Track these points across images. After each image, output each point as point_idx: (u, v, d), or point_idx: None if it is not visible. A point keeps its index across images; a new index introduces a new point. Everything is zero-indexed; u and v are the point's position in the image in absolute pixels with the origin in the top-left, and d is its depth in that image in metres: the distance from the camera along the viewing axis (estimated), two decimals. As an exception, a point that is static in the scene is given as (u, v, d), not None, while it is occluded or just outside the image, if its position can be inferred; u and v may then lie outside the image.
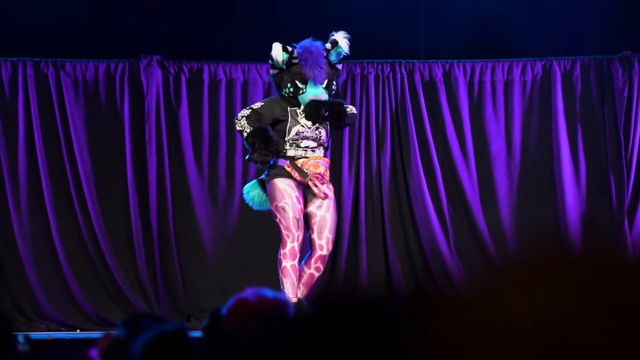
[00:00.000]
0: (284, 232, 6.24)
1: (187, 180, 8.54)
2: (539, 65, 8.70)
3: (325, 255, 6.33)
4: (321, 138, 6.35)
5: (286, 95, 6.31)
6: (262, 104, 6.40)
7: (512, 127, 8.66)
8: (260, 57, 8.56)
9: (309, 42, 6.36)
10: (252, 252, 8.37)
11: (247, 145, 6.30)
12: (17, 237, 8.35)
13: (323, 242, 6.32)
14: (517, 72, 8.70)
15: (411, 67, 8.69)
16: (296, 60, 6.29)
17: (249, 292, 2.72)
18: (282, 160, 6.31)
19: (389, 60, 8.69)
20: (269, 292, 2.81)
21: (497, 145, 8.65)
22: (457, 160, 8.63)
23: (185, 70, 8.59)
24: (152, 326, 2.70)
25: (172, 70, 8.56)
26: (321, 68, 6.28)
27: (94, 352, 2.87)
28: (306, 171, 6.28)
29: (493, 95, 8.70)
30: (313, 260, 6.30)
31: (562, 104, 8.62)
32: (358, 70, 8.67)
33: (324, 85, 6.31)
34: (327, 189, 6.37)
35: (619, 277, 1.05)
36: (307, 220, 6.36)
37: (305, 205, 6.35)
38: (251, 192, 6.48)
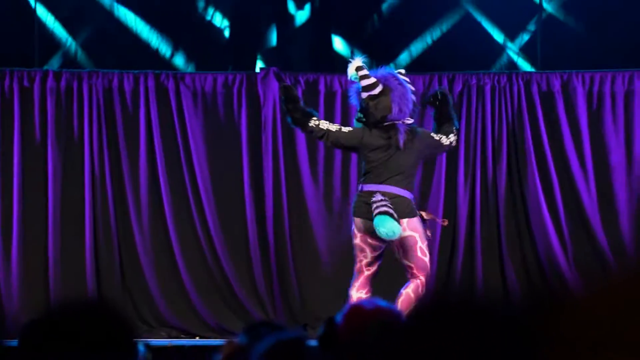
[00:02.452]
0: (426, 258, 6.38)
1: (302, 191, 8.60)
2: (659, 75, 8.52)
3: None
4: None
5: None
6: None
7: (633, 138, 8.49)
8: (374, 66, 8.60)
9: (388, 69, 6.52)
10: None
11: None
12: (139, 245, 8.52)
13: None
14: (638, 83, 8.53)
15: (528, 77, 8.61)
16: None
17: (364, 301, 2.74)
18: (412, 195, 6.41)
19: (506, 71, 8.63)
20: (383, 302, 2.83)
21: (616, 157, 8.50)
22: (576, 173, 8.50)
23: (302, 81, 8.66)
24: (271, 334, 2.75)
25: (288, 81, 8.64)
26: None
27: (215, 358, 2.93)
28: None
29: (613, 106, 8.55)
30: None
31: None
32: (474, 81, 8.62)
33: None
34: None
35: None
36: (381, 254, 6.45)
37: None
38: (393, 225, 6.28)
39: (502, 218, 8.51)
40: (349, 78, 6.45)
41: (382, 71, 6.43)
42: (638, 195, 8.45)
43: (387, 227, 6.15)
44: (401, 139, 6.29)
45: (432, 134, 6.41)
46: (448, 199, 8.57)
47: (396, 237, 6.19)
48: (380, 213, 6.16)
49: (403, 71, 6.54)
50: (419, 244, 6.29)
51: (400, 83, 6.34)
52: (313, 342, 3.06)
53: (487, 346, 1.58)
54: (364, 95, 6.34)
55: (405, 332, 1.58)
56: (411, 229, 6.27)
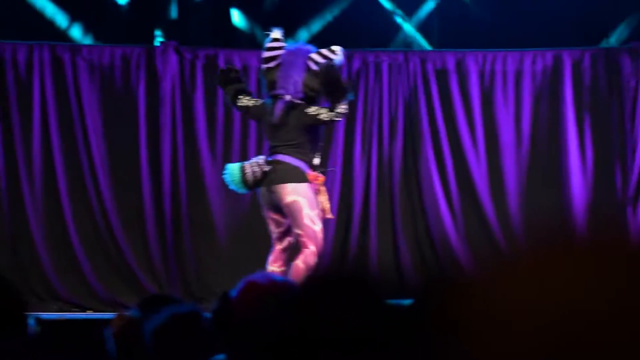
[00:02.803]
0: (320, 243, 6.32)
1: (200, 165, 8.58)
2: (549, 56, 8.72)
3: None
4: None
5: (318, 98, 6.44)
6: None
7: (522, 116, 8.69)
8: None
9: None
10: (264, 236, 8.38)
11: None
12: (31, 218, 8.41)
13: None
14: (527, 62, 8.73)
15: (424, 56, 8.72)
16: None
17: (259, 275, 2.77)
18: (308, 168, 6.39)
19: (402, 49, 8.73)
20: (278, 276, 2.86)
21: (506, 135, 8.68)
22: (467, 149, 8.66)
23: (201, 56, 8.63)
24: (166, 307, 2.75)
25: (187, 56, 8.60)
26: None
27: (107, 332, 2.91)
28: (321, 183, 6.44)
29: (504, 85, 8.73)
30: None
31: (572, 94, 8.65)
32: (372, 59, 8.70)
33: None
34: None
35: (623, 264, 1.07)
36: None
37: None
38: (234, 175, 6.43)
39: (396, 194, 8.62)
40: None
41: (293, 46, 6.47)
42: (526, 172, 8.65)
43: (232, 176, 6.38)
44: (275, 113, 6.35)
45: (307, 110, 6.35)
46: (344, 174, 8.65)
47: (235, 184, 6.40)
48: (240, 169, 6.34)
49: (336, 48, 6.44)
50: (306, 210, 6.24)
51: (296, 61, 6.36)
52: (208, 316, 3.08)
53: (374, 320, 1.62)
54: (262, 67, 6.42)
55: (295, 306, 1.61)
56: (296, 194, 6.27)
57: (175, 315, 2.74)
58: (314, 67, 6.32)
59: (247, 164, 6.41)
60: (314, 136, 6.40)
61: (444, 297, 1.12)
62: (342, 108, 6.35)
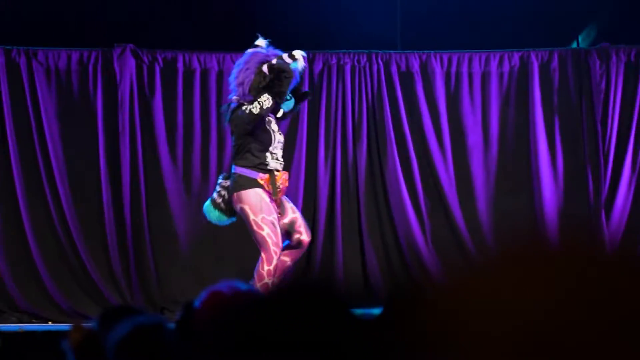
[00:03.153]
0: (272, 248, 6.24)
1: (161, 171, 8.47)
2: (516, 57, 8.68)
3: (309, 241, 6.57)
4: (282, 144, 6.47)
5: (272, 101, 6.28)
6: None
7: (489, 119, 8.64)
8: (235, 46, 8.50)
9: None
10: (227, 245, 8.31)
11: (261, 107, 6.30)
12: (-12, 228, 8.27)
13: (306, 228, 6.47)
14: (494, 64, 8.68)
15: (388, 57, 8.66)
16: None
17: (223, 285, 2.68)
18: (255, 172, 6.29)
19: (366, 51, 8.65)
20: (242, 285, 2.77)
21: (474, 138, 8.63)
22: (434, 153, 8.60)
23: (160, 59, 8.52)
24: (128, 318, 2.65)
25: (146, 59, 8.48)
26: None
27: (65, 344, 2.82)
28: (279, 187, 6.31)
29: (470, 87, 8.68)
30: (300, 255, 6.44)
31: (540, 95, 8.61)
32: (334, 61, 8.62)
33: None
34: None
35: (596, 270, 1.05)
36: (292, 226, 6.42)
37: (282, 214, 6.41)
38: (211, 213, 6.43)
39: (362, 198, 8.55)
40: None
41: (252, 51, 6.50)
42: (494, 176, 8.60)
43: (210, 217, 6.42)
44: (224, 119, 6.48)
45: (235, 108, 6.34)
46: (308, 178, 8.57)
47: (223, 222, 6.43)
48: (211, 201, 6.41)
49: (297, 53, 6.36)
50: (251, 217, 6.23)
51: (251, 64, 6.34)
52: (171, 326, 2.97)
53: (340, 328, 1.57)
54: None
55: (258, 314, 1.54)
56: (240, 202, 6.28)
57: (138, 327, 2.65)
58: (265, 70, 6.25)
59: (214, 194, 6.43)
60: (257, 135, 6.29)
61: (413, 306, 1.10)
62: (264, 97, 6.23)
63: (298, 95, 6.49)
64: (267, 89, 6.24)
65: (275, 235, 6.23)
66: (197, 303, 2.75)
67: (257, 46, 6.45)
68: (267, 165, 6.32)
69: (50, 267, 8.34)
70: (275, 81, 6.26)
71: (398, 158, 8.55)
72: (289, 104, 6.43)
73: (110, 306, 5.28)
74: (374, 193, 8.60)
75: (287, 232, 6.42)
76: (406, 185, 8.54)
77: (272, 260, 6.21)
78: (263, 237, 6.22)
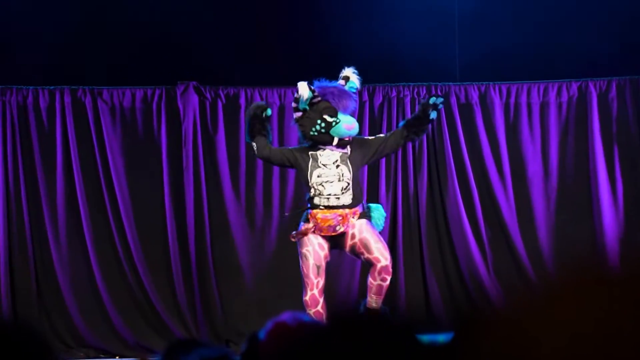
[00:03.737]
0: (304, 279, 6.40)
1: (224, 206, 8.54)
2: (574, 87, 8.66)
3: (385, 266, 6.39)
4: (344, 177, 6.37)
5: (316, 133, 6.34)
6: (293, 148, 6.55)
7: (549, 148, 8.61)
8: (294, 81, 8.59)
9: (324, 82, 6.50)
10: (290, 277, 8.34)
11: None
12: (56, 264, 8.38)
13: (376, 254, 6.40)
14: (552, 94, 8.66)
15: (447, 89, 8.67)
16: (318, 98, 6.34)
17: (287, 317, 2.71)
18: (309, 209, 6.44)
19: (425, 83, 8.68)
20: (307, 317, 2.79)
21: (534, 167, 8.61)
22: (494, 183, 8.59)
23: (222, 95, 8.61)
24: (194, 351, 2.69)
25: (208, 95, 8.58)
26: (347, 98, 6.39)
27: None
28: (312, 224, 6.38)
29: (529, 117, 8.67)
30: (376, 273, 6.39)
31: (599, 125, 8.57)
32: (394, 93, 8.66)
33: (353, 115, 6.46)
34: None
35: None
36: (354, 252, 6.46)
37: (344, 244, 6.44)
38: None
39: (423, 228, 8.55)
40: (305, 99, 6.38)
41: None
42: (555, 205, 8.56)
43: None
44: None
45: None
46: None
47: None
48: None
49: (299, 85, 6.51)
50: (298, 248, 6.49)
51: None
52: (237, 359, 3.01)
53: (407, 357, 1.57)
54: None
55: (325, 346, 1.55)
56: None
57: (204, 359, 2.68)
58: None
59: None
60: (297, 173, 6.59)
61: (479, 332, 1.11)
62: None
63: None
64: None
65: (306, 267, 6.36)
66: (261, 335, 2.76)
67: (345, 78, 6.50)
68: (312, 201, 6.41)
69: (116, 302, 8.42)
70: (299, 124, 6.45)
71: (459, 188, 8.55)
72: (337, 130, 6.39)
73: (175, 339, 5.36)
74: (435, 223, 8.60)
75: (357, 257, 6.52)
76: (467, 215, 8.53)
77: (306, 291, 6.38)
78: (301, 267, 6.42)
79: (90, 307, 8.40)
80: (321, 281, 6.37)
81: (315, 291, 6.35)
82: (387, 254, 6.41)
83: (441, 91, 8.68)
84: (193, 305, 8.44)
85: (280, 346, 2.52)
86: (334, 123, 6.34)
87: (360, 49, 8.55)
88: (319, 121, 6.34)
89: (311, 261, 6.35)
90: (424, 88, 8.67)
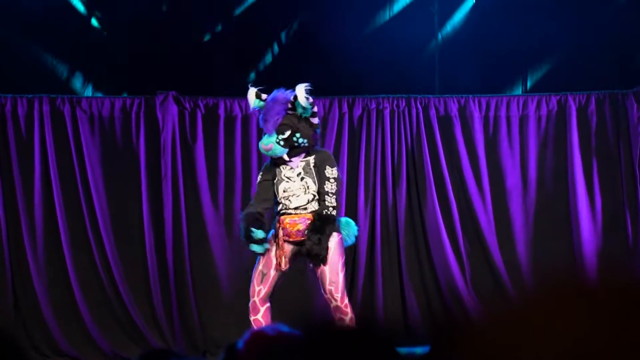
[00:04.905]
0: (250, 284, 6.37)
1: (203, 216, 8.53)
2: (554, 100, 8.70)
3: (337, 306, 6.27)
4: (309, 189, 6.31)
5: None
6: (262, 173, 6.46)
7: (528, 161, 8.65)
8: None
9: (277, 93, 6.37)
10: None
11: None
12: (33, 273, 8.35)
13: (328, 295, 6.30)
14: (532, 107, 8.70)
15: (426, 102, 8.70)
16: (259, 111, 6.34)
17: (265, 327, 2.71)
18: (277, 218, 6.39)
19: (405, 95, 8.70)
20: (285, 328, 2.79)
21: (512, 180, 8.64)
22: (473, 195, 8.61)
23: (201, 105, 8.61)
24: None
25: (187, 105, 8.58)
26: (270, 118, 6.26)
27: None
28: (281, 231, 6.29)
29: (508, 130, 8.70)
30: (332, 312, 6.32)
31: (578, 138, 8.61)
32: (374, 105, 8.68)
33: (282, 136, 6.26)
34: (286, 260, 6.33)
35: (636, 311, 1.07)
36: (314, 272, 6.40)
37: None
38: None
39: (402, 241, 8.56)
40: (306, 104, 6.29)
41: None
42: (533, 218, 8.59)
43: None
44: None
45: None
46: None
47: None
48: None
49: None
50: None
51: None
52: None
53: None
54: (316, 121, 6.39)
55: (303, 356, 1.57)
56: None
57: None
58: None
59: None
60: None
61: (456, 344, 1.11)
62: None
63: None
64: None
65: (254, 271, 6.35)
66: (240, 344, 2.76)
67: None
68: (279, 214, 6.36)
69: (93, 311, 8.39)
70: None
71: (437, 201, 8.56)
72: (260, 146, 6.39)
73: (149, 349, 5.34)
74: (413, 235, 8.61)
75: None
76: (445, 228, 8.55)
77: (249, 297, 6.36)
78: (254, 269, 6.40)
79: (67, 317, 8.38)
80: (263, 289, 6.31)
81: (257, 299, 6.33)
82: (337, 295, 6.25)
83: (421, 104, 8.70)
84: (170, 315, 8.42)
85: (258, 356, 2.52)
86: (265, 137, 6.35)
87: (341, 59, 8.57)
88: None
89: (259, 267, 6.34)
90: (404, 100, 8.69)
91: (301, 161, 6.35)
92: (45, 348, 8.36)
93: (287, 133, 6.25)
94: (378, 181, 8.61)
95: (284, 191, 6.32)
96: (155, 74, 8.62)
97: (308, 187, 6.31)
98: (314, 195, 6.31)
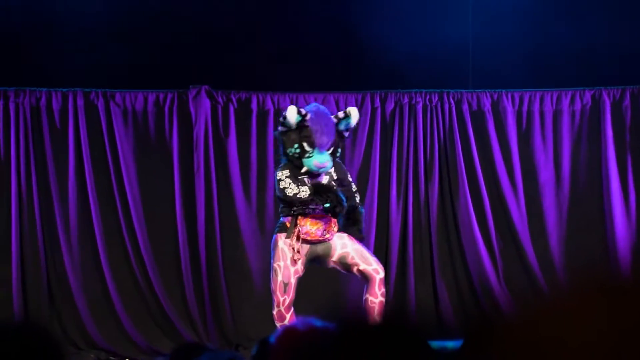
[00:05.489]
0: (272, 294, 6.47)
1: (235, 210, 8.55)
2: (588, 95, 8.64)
3: (383, 277, 6.42)
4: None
5: (290, 154, 6.34)
6: (289, 172, 6.40)
7: (561, 156, 8.60)
8: (307, 87, 8.60)
9: (322, 108, 6.45)
10: (301, 282, 8.34)
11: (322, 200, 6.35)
12: (67, 266, 8.40)
13: (375, 266, 6.41)
14: (566, 102, 8.65)
15: (459, 96, 8.67)
16: (307, 124, 6.32)
17: (297, 322, 2.71)
18: (285, 217, 6.42)
19: (437, 90, 8.68)
20: (318, 322, 2.79)
21: (545, 175, 8.59)
22: (506, 190, 8.58)
23: (234, 100, 8.63)
24: (204, 356, 2.69)
25: (220, 100, 8.60)
26: (330, 136, 6.32)
27: None
28: (301, 228, 6.32)
29: (542, 125, 8.66)
30: (376, 287, 6.38)
31: (612, 133, 8.55)
32: (406, 100, 8.66)
33: (329, 152, 6.33)
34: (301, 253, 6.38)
35: None
36: (343, 262, 6.41)
37: (329, 255, 6.40)
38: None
39: (434, 236, 8.54)
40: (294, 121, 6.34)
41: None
42: (566, 214, 8.55)
43: None
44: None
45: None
46: (380, 217, 8.58)
47: None
48: None
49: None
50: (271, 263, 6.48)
51: None
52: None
53: None
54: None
55: (335, 351, 1.55)
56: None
57: None
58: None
59: None
60: None
61: (490, 339, 1.11)
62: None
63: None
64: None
65: (274, 282, 6.42)
66: (272, 339, 2.77)
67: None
68: (294, 212, 6.38)
69: (127, 305, 8.43)
70: (281, 138, 6.49)
71: (470, 196, 8.54)
72: (308, 162, 6.36)
73: (183, 343, 5.37)
74: (446, 230, 8.59)
75: (345, 269, 6.47)
76: (478, 223, 8.52)
77: (273, 306, 6.45)
78: (271, 281, 6.46)
79: (101, 310, 8.42)
80: (288, 298, 6.42)
81: (282, 308, 6.42)
82: (382, 267, 6.47)
83: (453, 98, 8.67)
84: (203, 309, 8.45)
85: (290, 351, 2.53)
86: (307, 155, 6.33)
87: (374, 55, 8.56)
88: (296, 145, 6.33)
89: (279, 278, 6.40)
90: (436, 95, 8.67)
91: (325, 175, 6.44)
92: (79, 341, 8.41)
93: (333, 149, 6.38)
94: (410, 176, 8.59)
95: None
96: (188, 68, 8.64)
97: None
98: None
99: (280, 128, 6.41)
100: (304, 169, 6.36)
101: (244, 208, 8.57)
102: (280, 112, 8.61)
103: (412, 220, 8.56)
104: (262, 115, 8.62)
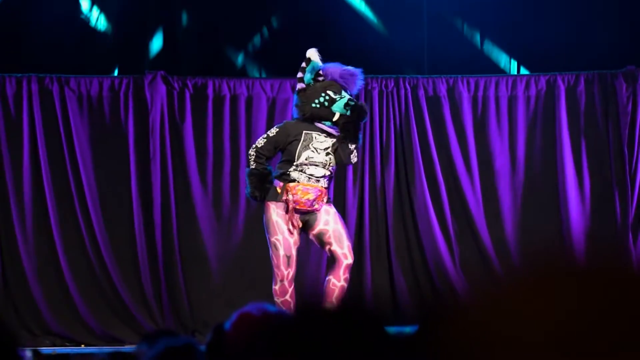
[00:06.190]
0: (275, 269, 6.34)
1: (191, 196, 8.53)
2: (542, 80, 8.70)
3: (350, 264, 6.38)
4: (330, 165, 6.35)
5: (318, 105, 6.31)
6: (278, 129, 6.40)
7: (516, 142, 8.66)
8: (264, 72, 8.59)
9: (330, 63, 6.50)
10: (257, 268, 8.35)
11: (246, 180, 6.35)
12: (22, 252, 8.35)
13: (345, 250, 6.37)
14: (521, 87, 8.70)
15: (415, 82, 8.70)
16: (322, 77, 6.34)
17: (252, 307, 2.72)
18: (277, 181, 6.33)
19: (393, 76, 8.70)
20: (272, 308, 2.80)
21: (501, 161, 8.65)
22: (461, 176, 8.63)
23: (190, 85, 8.60)
24: (161, 340, 2.69)
25: (176, 85, 8.57)
26: (355, 80, 6.48)
27: None
28: (292, 196, 6.26)
29: (497, 111, 8.71)
30: (342, 271, 6.34)
31: (566, 118, 8.62)
32: (362, 85, 8.66)
33: (348, 101, 6.38)
34: (297, 221, 6.33)
35: (623, 290, 1.06)
36: (320, 238, 6.37)
37: (312, 226, 6.36)
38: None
39: (390, 220, 8.58)
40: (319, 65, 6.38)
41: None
42: (521, 198, 8.61)
43: None
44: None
45: None
46: (337, 203, 8.59)
47: None
48: None
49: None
50: (266, 234, 6.41)
51: None
52: (203, 349, 3.01)
53: (374, 347, 1.58)
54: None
55: (290, 337, 1.56)
56: (264, 213, 6.43)
57: (170, 348, 2.69)
58: None
59: None
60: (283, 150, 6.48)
61: (445, 323, 1.11)
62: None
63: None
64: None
65: (277, 257, 6.30)
66: (227, 325, 2.77)
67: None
68: (288, 175, 6.33)
69: (82, 291, 8.40)
70: (299, 96, 6.48)
71: (426, 181, 8.58)
72: (340, 105, 6.33)
73: (155, 330, 5.35)
74: (402, 216, 8.63)
75: (320, 244, 6.46)
76: (434, 208, 8.57)
77: (276, 281, 6.32)
78: (271, 256, 6.34)
79: (56, 296, 8.38)
80: (291, 272, 6.32)
81: (285, 282, 6.33)
82: (352, 254, 6.43)
83: (409, 84, 8.70)
84: (159, 295, 8.43)
85: (245, 336, 2.53)
86: (338, 98, 6.32)
87: (328, 40, 8.56)
88: (323, 94, 6.32)
89: (281, 252, 6.30)
90: (392, 80, 8.69)
91: (333, 138, 6.37)
92: (35, 328, 8.36)
93: (349, 99, 6.36)
94: (367, 161, 8.62)
95: (305, 158, 6.32)
96: (143, 54, 8.59)
97: (329, 164, 6.34)
98: (330, 173, 6.38)
99: (298, 86, 6.38)
100: (336, 117, 6.32)
101: (200, 194, 8.55)
102: (236, 98, 8.62)
103: (369, 205, 8.58)
104: (218, 100, 8.59)
